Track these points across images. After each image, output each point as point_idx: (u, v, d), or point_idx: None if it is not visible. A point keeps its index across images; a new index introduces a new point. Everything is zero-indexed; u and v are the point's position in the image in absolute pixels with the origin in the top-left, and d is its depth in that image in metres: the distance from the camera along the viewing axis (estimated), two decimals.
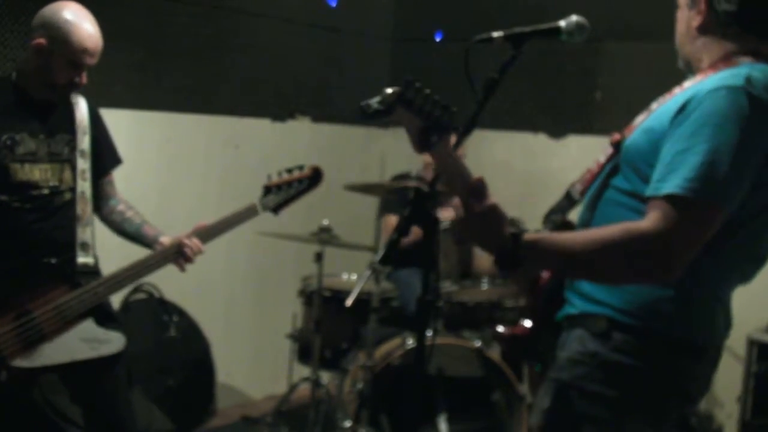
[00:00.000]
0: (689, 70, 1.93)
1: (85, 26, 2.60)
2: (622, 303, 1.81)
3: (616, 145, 1.87)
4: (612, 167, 1.87)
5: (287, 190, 2.97)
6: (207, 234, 2.87)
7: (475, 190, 1.77)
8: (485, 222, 1.76)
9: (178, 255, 2.80)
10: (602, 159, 1.90)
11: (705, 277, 1.77)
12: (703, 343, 1.84)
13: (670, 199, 1.65)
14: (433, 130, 1.78)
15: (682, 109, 1.72)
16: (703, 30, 1.85)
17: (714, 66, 1.82)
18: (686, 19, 1.89)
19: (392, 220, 4.55)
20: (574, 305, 1.89)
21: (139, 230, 2.88)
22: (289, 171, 2.98)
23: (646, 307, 1.79)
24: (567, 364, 1.86)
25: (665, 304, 1.79)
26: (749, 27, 1.82)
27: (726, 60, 1.81)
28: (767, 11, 1.82)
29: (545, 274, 1.99)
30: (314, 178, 3.00)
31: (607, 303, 1.82)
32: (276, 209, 2.98)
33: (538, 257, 1.77)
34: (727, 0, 1.80)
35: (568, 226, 1.94)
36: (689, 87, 1.80)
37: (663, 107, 1.81)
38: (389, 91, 1.78)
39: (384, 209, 4.61)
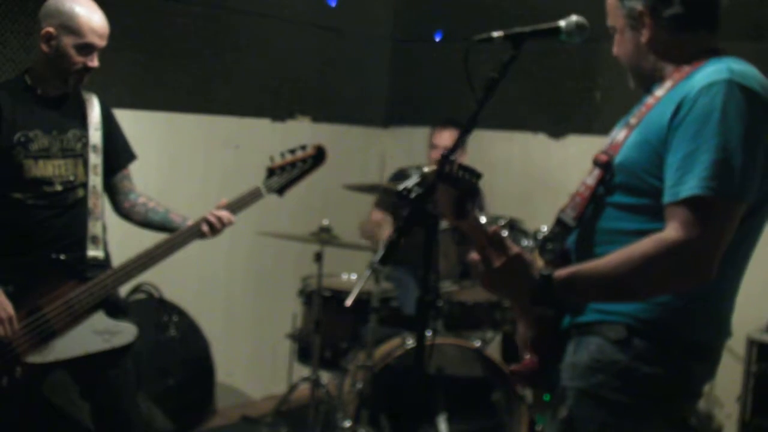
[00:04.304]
0: (647, 84, 1.92)
1: (90, 9, 2.66)
2: (640, 312, 1.80)
3: (605, 166, 1.85)
4: (605, 188, 1.86)
5: (291, 170, 2.92)
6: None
7: (493, 243, 1.78)
8: (510, 274, 1.78)
9: (203, 226, 2.79)
10: (591, 181, 1.88)
11: (722, 274, 1.75)
12: (713, 342, 1.85)
13: (691, 201, 1.66)
14: (467, 197, 1.79)
15: (676, 112, 1.73)
16: (655, 43, 1.86)
17: (680, 69, 1.83)
18: (632, 40, 1.89)
19: (377, 215, 4.55)
20: (586, 314, 1.87)
21: (166, 217, 2.89)
22: (292, 151, 2.95)
23: (665, 313, 1.79)
24: (583, 372, 1.84)
25: (683, 307, 1.78)
26: (698, 23, 1.85)
27: (692, 60, 1.83)
28: (710, 3, 1.85)
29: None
30: (318, 156, 2.96)
31: (624, 313, 1.81)
32: (281, 191, 2.93)
33: (574, 292, 1.78)
34: (671, 4, 1.81)
35: (566, 254, 1.92)
36: (670, 92, 1.80)
37: (650, 117, 1.81)
38: (426, 170, 1.79)
39: (377, 204, 4.61)
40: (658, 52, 1.87)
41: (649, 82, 1.92)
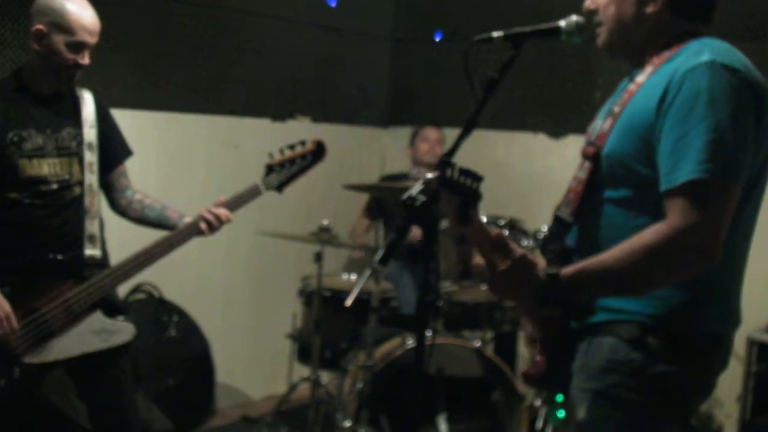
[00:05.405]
0: (618, 53, 1.91)
1: (81, 6, 2.64)
2: (651, 309, 1.78)
3: (594, 158, 1.84)
4: (597, 181, 1.84)
5: (290, 167, 2.91)
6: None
7: (497, 246, 1.78)
8: (515, 276, 1.78)
9: (201, 224, 2.77)
10: (582, 175, 1.87)
11: (726, 261, 1.74)
12: (725, 330, 1.85)
13: (688, 186, 1.65)
14: (469, 203, 1.79)
15: (663, 97, 1.72)
16: (657, 17, 1.84)
17: (660, 55, 1.82)
18: (635, 4, 1.85)
19: (362, 223, 4.69)
20: (597, 314, 1.85)
21: (162, 214, 2.88)
22: (291, 147, 2.93)
23: (675, 307, 1.77)
24: (597, 373, 1.82)
25: (692, 299, 1.77)
26: (698, 13, 1.86)
27: (672, 44, 1.82)
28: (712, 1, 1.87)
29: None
30: (317, 152, 2.95)
31: (635, 311, 1.80)
32: (280, 188, 2.92)
33: (582, 289, 1.77)
34: None
35: (567, 252, 1.90)
36: (652, 76, 1.79)
37: (633, 104, 1.80)
38: (429, 176, 1.79)
39: (364, 211, 4.75)
40: (651, 27, 1.85)
41: (623, 53, 1.90)
